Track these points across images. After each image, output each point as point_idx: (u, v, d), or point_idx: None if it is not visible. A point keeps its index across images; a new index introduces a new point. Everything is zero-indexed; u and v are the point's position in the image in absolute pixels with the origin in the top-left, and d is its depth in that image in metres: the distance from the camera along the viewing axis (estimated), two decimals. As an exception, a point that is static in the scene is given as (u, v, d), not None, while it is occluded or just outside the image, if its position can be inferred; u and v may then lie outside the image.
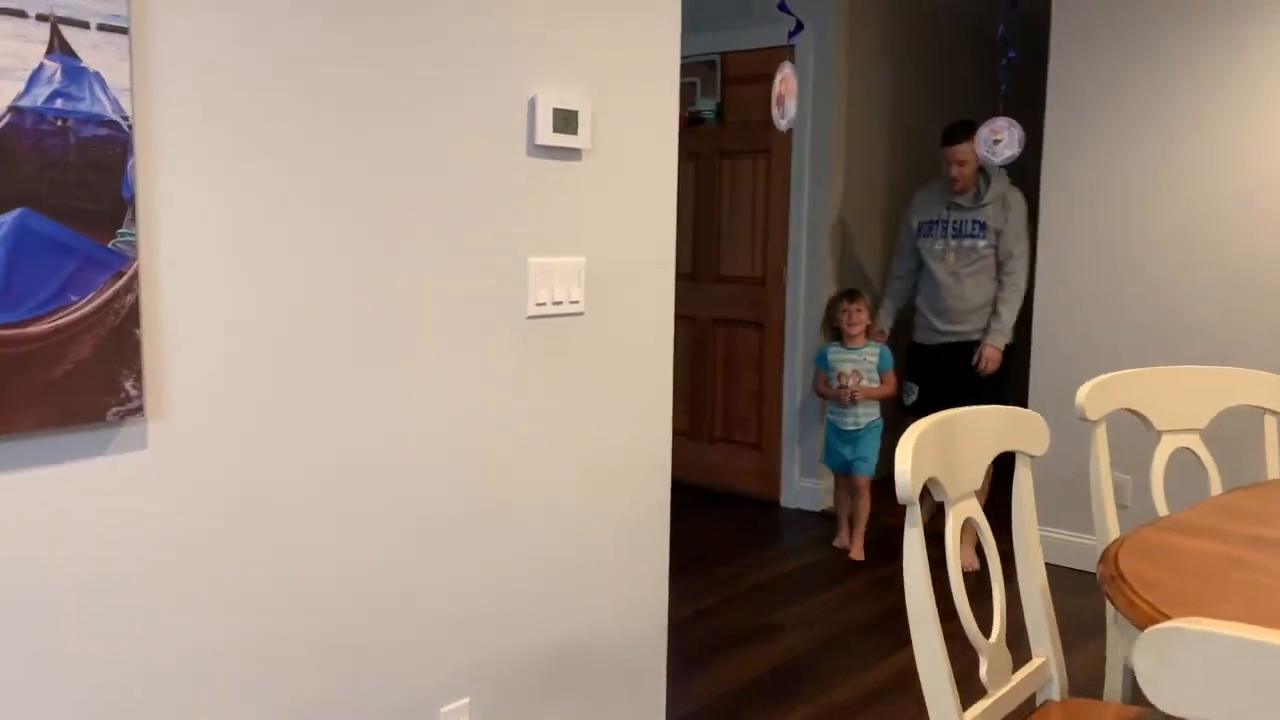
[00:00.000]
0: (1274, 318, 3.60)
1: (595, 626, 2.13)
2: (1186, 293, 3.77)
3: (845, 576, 4.00)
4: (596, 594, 2.12)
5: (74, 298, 1.30)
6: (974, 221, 4.05)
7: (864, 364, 4.19)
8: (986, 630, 1.63)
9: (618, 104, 2.03)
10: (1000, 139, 3.48)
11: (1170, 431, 2.15)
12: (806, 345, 4.79)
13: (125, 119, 1.34)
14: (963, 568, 3.96)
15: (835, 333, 4.38)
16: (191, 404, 1.47)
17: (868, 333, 4.27)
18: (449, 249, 1.77)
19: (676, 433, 5.24)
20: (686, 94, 5.06)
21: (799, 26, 3.33)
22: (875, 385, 4.18)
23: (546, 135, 1.88)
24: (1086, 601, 3.62)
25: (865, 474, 4.22)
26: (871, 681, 3.08)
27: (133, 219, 1.35)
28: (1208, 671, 0.83)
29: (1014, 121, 3.46)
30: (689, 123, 5.09)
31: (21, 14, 1.24)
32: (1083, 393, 2.00)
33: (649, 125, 2.10)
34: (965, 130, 3.93)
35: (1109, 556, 1.51)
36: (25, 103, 1.25)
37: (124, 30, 1.32)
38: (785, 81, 3.02)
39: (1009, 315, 4.04)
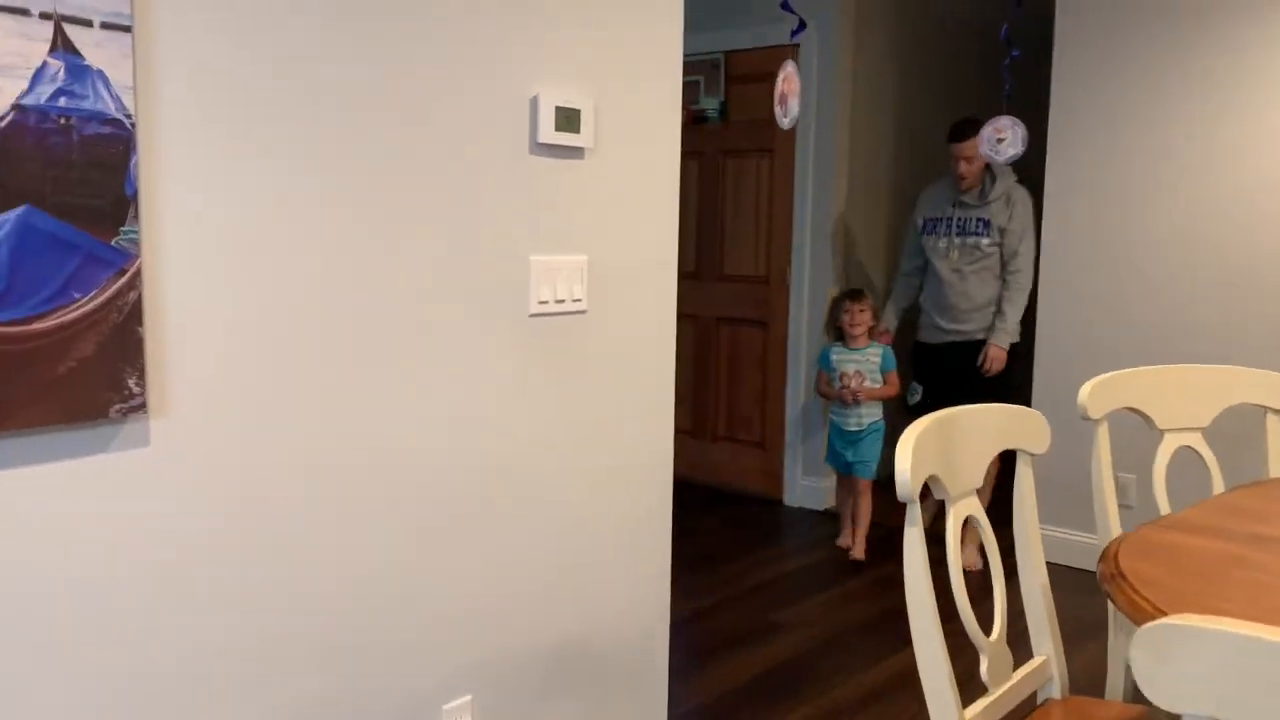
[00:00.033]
0: (1274, 317, 3.60)
1: (597, 625, 2.13)
2: (1187, 293, 3.77)
3: (847, 576, 4.00)
4: (598, 593, 2.13)
5: (77, 295, 1.31)
6: (978, 219, 4.04)
7: (867, 364, 4.19)
8: (987, 628, 1.64)
9: (620, 103, 2.03)
10: (1004, 138, 3.47)
11: (1172, 430, 2.15)
12: (810, 344, 4.80)
13: (128, 117, 1.34)
14: (966, 568, 3.95)
15: (838, 333, 4.38)
16: (194, 401, 1.47)
17: (871, 333, 4.27)
18: (450, 248, 1.77)
19: (680, 431, 5.25)
20: (690, 93, 5.07)
21: (801, 25, 3.33)
22: (878, 386, 4.18)
23: (549, 134, 1.88)
24: (1088, 600, 3.62)
25: (866, 477, 4.22)
26: (872, 681, 3.08)
27: (135, 217, 1.36)
28: (1203, 667, 0.84)
29: (1018, 120, 3.46)
30: (693, 121, 5.09)
31: (25, 12, 1.24)
32: (1085, 391, 2.00)
33: (652, 124, 2.10)
34: (973, 127, 3.91)
35: (1109, 555, 1.52)
36: (29, 101, 1.25)
37: (127, 28, 1.33)
38: (788, 80, 3.02)
39: (1014, 314, 4.02)
